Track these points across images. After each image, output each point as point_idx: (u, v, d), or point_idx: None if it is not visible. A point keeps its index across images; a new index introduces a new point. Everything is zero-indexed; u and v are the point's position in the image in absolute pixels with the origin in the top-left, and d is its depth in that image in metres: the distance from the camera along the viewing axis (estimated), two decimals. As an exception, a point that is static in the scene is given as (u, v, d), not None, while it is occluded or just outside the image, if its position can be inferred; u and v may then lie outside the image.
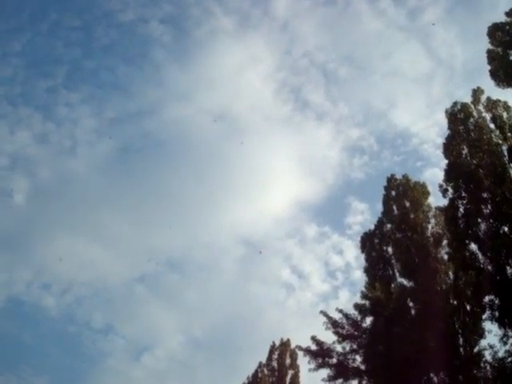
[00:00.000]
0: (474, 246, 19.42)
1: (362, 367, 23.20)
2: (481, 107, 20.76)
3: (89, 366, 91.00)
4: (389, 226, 25.22)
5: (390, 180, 25.78)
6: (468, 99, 21.49)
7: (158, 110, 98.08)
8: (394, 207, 25.14)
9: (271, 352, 42.50)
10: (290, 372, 41.19)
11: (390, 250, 24.93)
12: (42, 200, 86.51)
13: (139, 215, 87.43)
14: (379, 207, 25.98)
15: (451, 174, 20.21)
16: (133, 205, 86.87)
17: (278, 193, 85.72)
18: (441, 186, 20.70)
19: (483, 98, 20.83)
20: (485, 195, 19.47)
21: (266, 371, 41.95)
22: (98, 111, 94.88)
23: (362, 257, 25.74)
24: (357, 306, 23.78)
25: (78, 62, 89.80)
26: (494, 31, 19.97)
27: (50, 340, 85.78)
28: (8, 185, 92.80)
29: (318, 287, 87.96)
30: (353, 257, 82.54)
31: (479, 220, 19.39)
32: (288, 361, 41.59)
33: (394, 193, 25.43)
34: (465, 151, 20.49)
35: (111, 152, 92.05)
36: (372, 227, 26.04)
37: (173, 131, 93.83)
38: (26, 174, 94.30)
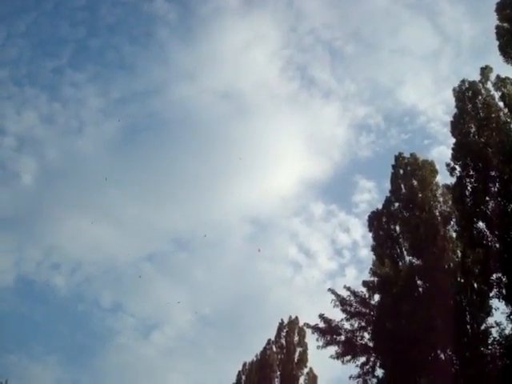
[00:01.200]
0: (481, 225, 19.46)
1: (370, 344, 23.40)
2: (489, 85, 20.62)
3: (99, 344, 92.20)
4: (396, 204, 25.20)
5: (398, 158, 25.70)
6: (476, 76, 21.37)
7: (163, 89, 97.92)
8: (402, 186, 25.09)
9: (280, 330, 42.87)
10: (299, 349, 41.56)
11: (397, 228, 24.95)
12: (49, 180, 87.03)
13: (146, 194, 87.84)
14: (386, 185, 25.98)
15: (459, 152, 20.16)
16: (140, 184, 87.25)
17: (284, 171, 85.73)
18: (448, 165, 20.68)
19: (492, 76, 20.67)
20: (493, 173, 19.43)
21: (274, 348, 42.37)
22: (104, 91, 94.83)
23: (369, 235, 25.84)
24: (365, 283, 23.94)
25: (82, 42, 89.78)
26: (503, 7, 19.76)
27: (60, 319, 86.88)
28: (16, 166, 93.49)
29: (325, 265, 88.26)
30: (360, 235, 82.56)
31: (487, 198, 19.39)
32: (296, 338, 41.95)
33: (401, 171, 25.36)
34: (473, 130, 20.40)
35: (117, 132, 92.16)
36: (379, 205, 26.09)
37: (178, 110, 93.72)
38: (33, 155, 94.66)
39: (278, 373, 41.18)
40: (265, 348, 42.65)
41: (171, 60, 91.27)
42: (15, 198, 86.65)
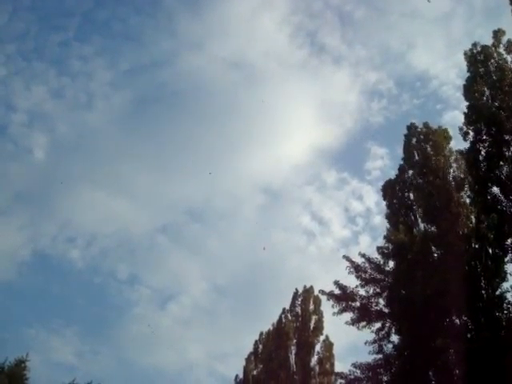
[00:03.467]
0: (496, 189, 19.40)
1: (385, 310, 23.57)
2: (501, 49, 20.33)
3: (116, 316, 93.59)
4: (410, 172, 25.13)
5: (410, 128, 25.53)
6: (488, 39, 21.07)
7: (171, 59, 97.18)
8: (415, 153, 24.96)
9: (294, 298, 43.25)
10: (314, 317, 41.98)
11: (411, 196, 24.93)
12: (61, 155, 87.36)
13: (158, 165, 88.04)
14: (399, 151, 25.85)
15: (472, 116, 19.99)
16: (152, 155, 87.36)
17: (295, 139, 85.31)
18: (461, 130, 20.54)
19: (504, 39, 20.37)
20: (507, 137, 19.29)
21: (289, 317, 42.83)
22: (112, 63, 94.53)
23: (382, 202, 25.85)
24: (380, 250, 24.01)
25: (89, 14, 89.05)
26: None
27: (77, 292, 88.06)
28: (27, 141, 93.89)
29: (339, 233, 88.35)
30: (373, 202, 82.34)
31: (501, 163, 19.29)
32: (311, 307, 42.34)
33: (414, 140, 25.22)
34: (486, 93, 20.18)
35: (127, 104, 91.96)
36: (392, 172, 26.10)
37: (188, 81, 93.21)
38: (44, 130, 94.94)
39: (294, 341, 41.68)
40: (280, 317, 43.10)
41: (179, 30, 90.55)
42: (28, 173, 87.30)
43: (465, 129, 20.27)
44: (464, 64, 21.34)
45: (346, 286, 24.08)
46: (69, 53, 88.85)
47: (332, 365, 39.67)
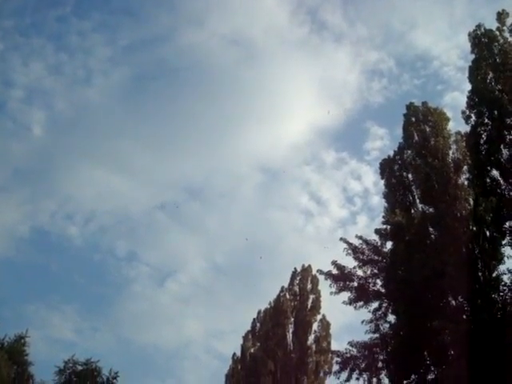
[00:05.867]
0: (495, 173, 19.42)
1: (383, 290, 23.76)
2: (506, 31, 20.17)
3: (115, 293, 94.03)
4: (409, 152, 25.09)
5: (410, 107, 25.39)
6: (492, 20, 20.88)
7: (171, 36, 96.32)
8: (415, 133, 24.88)
9: (293, 277, 43.52)
10: (312, 296, 42.32)
11: (409, 176, 24.93)
12: (60, 131, 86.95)
13: (157, 143, 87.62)
14: (399, 132, 25.76)
15: (474, 99, 19.91)
16: (151, 132, 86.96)
17: (295, 118, 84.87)
18: (463, 112, 20.48)
19: (508, 21, 20.19)
20: (508, 121, 19.25)
21: (288, 296, 43.14)
22: (111, 39, 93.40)
23: (381, 182, 25.85)
24: (377, 231, 24.11)
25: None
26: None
27: (76, 268, 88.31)
28: (25, 118, 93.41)
29: (337, 213, 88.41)
30: (371, 182, 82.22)
31: (502, 146, 19.28)
32: (309, 286, 42.64)
33: (413, 119, 25.11)
34: (489, 76, 20.07)
35: (127, 80, 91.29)
36: (391, 153, 25.97)
37: (187, 57, 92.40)
38: (42, 107, 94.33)
39: (292, 319, 42.05)
40: (279, 295, 43.40)
41: (178, 5, 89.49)
42: (27, 150, 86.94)
43: (467, 112, 20.21)
44: (466, 45, 21.24)
45: (343, 267, 24.24)
46: (67, 28, 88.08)
47: (329, 343, 40.09)
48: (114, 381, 37.57)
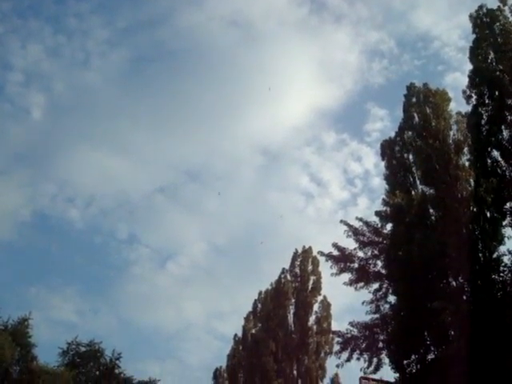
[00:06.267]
0: (496, 153, 19.37)
1: (383, 271, 23.87)
2: (507, 11, 19.98)
3: (116, 275, 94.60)
4: (409, 133, 25.02)
5: (410, 88, 25.26)
6: (492, 0, 20.67)
7: (169, 17, 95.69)
8: (415, 114, 24.79)
9: (294, 259, 43.73)
10: (312, 278, 42.56)
11: (410, 157, 24.90)
12: (59, 114, 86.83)
13: (156, 125, 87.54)
14: (399, 113, 25.66)
15: (475, 79, 19.81)
16: (150, 115, 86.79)
17: (295, 100, 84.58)
18: (464, 92, 20.37)
19: (510, 1, 20.00)
20: (509, 102, 19.16)
21: (289, 277, 43.40)
22: (109, 21, 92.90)
23: (382, 164, 25.88)
24: (377, 213, 24.14)
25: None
26: None
27: (77, 251, 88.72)
28: (24, 101, 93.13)
29: (337, 195, 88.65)
30: (372, 164, 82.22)
31: (502, 127, 19.22)
32: (310, 267, 42.86)
33: (414, 100, 24.97)
34: (490, 56, 19.93)
35: (125, 62, 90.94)
36: (392, 134, 25.95)
37: (186, 39, 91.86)
38: (41, 89, 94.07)
39: (293, 300, 42.34)
40: (280, 277, 43.65)
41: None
42: (26, 133, 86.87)
43: (468, 92, 20.12)
44: (467, 25, 21.00)
45: (344, 248, 24.34)
46: (65, 10, 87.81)
47: (329, 324, 40.40)
48: (117, 361, 37.98)
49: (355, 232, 24.13)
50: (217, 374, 49.79)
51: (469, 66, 20.55)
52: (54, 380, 33.02)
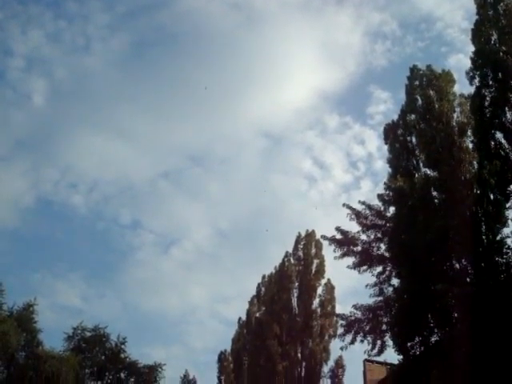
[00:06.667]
0: (499, 135, 19.30)
1: (386, 254, 23.87)
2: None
3: (120, 260, 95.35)
4: (412, 116, 24.87)
5: (413, 71, 25.01)
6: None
7: (170, 1, 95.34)
8: (418, 97, 24.60)
9: (297, 242, 43.83)
10: (316, 261, 42.66)
11: (413, 140, 24.77)
12: (60, 100, 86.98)
13: (158, 110, 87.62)
14: (402, 95, 25.46)
15: (478, 61, 19.65)
16: (152, 100, 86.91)
17: (297, 83, 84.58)
18: (467, 74, 20.22)
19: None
20: (512, 83, 19.04)
21: (292, 260, 43.54)
22: (109, 5, 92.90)
23: (385, 147, 25.75)
24: (380, 197, 24.09)
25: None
26: None
27: (81, 237, 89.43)
28: (26, 87, 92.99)
29: (340, 178, 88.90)
30: (375, 147, 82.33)
31: (506, 109, 19.10)
32: (313, 250, 42.95)
33: (417, 82, 24.76)
34: (494, 37, 19.75)
35: (126, 47, 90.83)
36: (395, 117, 25.79)
37: (187, 22, 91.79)
38: (42, 75, 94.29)
39: (297, 284, 42.52)
40: (283, 260, 43.81)
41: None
42: (28, 119, 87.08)
43: (471, 73, 19.97)
44: (470, 6, 20.81)
45: (347, 231, 24.32)
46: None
47: (333, 307, 40.59)
48: (123, 346, 38.42)
49: (358, 215, 24.10)
50: (221, 358, 50.23)
51: (471, 48, 20.43)
52: (60, 365, 33.37)
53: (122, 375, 38.31)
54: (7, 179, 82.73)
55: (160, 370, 38.30)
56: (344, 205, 24.56)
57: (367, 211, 24.08)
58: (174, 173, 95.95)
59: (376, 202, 24.26)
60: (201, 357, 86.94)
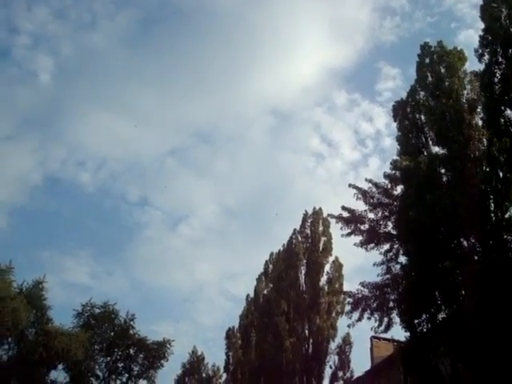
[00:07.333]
0: (509, 113, 19.14)
1: (394, 232, 23.87)
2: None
3: (128, 237, 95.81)
4: (422, 93, 24.63)
5: (424, 48, 24.67)
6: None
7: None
8: (428, 74, 24.30)
9: (304, 220, 43.84)
10: (323, 239, 42.71)
11: (422, 118, 24.57)
12: (67, 77, 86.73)
13: (165, 87, 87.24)
14: (411, 72, 25.20)
15: (488, 38, 19.40)
16: (159, 77, 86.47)
17: (305, 59, 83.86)
18: (477, 51, 19.98)
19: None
20: (523, 60, 18.79)
21: (299, 238, 43.58)
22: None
23: (393, 124, 25.61)
24: (387, 176, 24.01)
25: None
26: None
27: (89, 214, 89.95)
28: (32, 64, 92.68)
29: (348, 155, 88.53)
30: (383, 124, 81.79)
31: (516, 85, 18.89)
32: (321, 228, 42.98)
33: (427, 60, 24.46)
34: (503, 13, 19.47)
35: (132, 24, 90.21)
36: (404, 94, 25.58)
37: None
38: (48, 53, 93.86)
39: (304, 261, 42.61)
40: (291, 238, 43.87)
41: None
42: (34, 97, 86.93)
43: (480, 50, 19.73)
44: (481, -20, 20.44)
45: (354, 210, 24.33)
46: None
47: (341, 284, 40.73)
48: (132, 322, 38.72)
49: (364, 194, 24.08)
50: (229, 334, 50.66)
51: (482, 24, 20.13)
52: (70, 341, 33.74)
53: (131, 351, 38.66)
54: (15, 157, 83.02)
55: (169, 346, 38.61)
56: (350, 185, 24.53)
57: (374, 190, 24.05)
58: (182, 150, 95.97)
59: (383, 180, 24.25)
60: (209, 333, 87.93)
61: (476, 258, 20.52)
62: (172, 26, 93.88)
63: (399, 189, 23.65)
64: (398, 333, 24.79)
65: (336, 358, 40.66)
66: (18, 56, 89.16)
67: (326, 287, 41.33)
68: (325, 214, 40.67)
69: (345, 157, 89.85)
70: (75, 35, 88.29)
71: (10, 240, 69.99)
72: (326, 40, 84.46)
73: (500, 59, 19.28)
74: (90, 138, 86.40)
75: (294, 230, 44.10)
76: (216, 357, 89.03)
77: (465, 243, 21.29)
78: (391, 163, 23.48)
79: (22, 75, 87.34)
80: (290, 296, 41.50)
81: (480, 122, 22.05)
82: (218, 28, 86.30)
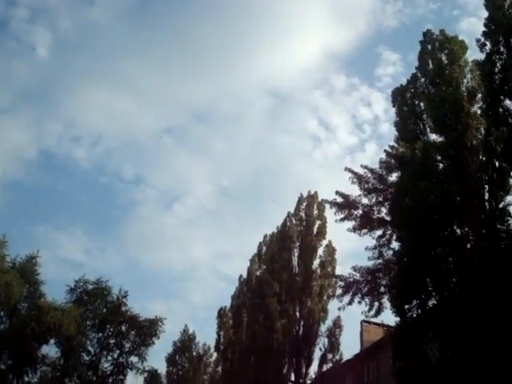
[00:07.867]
0: (508, 103, 19.12)
1: (387, 218, 23.94)
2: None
3: (122, 215, 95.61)
4: (422, 80, 24.58)
5: (426, 35, 24.56)
6: None
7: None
8: (430, 61, 24.25)
9: (299, 203, 43.86)
10: (318, 222, 42.76)
11: (422, 105, 24.55)
12: (65, 52, 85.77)
13: (164, 65, 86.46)
14: (412, 58, 25.20)
15: (490, 27, 19.31)
16: (157, 54, 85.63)
17: (305, 41, 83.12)
18: (478, 41, 19.91)
19: None
20: (525, 50, 18.72)
21: (294, 221, 43.63)
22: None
23: (391, 110, 25.60)
24: (382, 162, 24.02)
25: None
26: None
27: (84, 191, 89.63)
28: (30, 38, 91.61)
29: (345, 140, 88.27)
30: (382, 109, 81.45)
31: (516, 76, 18.85)
32: (315, 212, 43.01)
33: (429, 47, 24.37)
34: (507, 3, 19.37)
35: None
36: (404, 80, 25.53)
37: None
38: (46, 26, 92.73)
39: (298, 244, 42.70)
40: (285, 220, 43.90)
41: None
42: (31, 70, 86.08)
43: (482, 39, 19.66)
44: (484, -33, 20.28)
45: (348, 195, 24.35)
46: None
47: (334, 268, 40.83)
48: (124, 299, 38.86)
49: (359, 179, 24.08)
50: (221, 314, 50.88)
51: (485, 13, 20.04)
52: (62, 316, 33.89)
53: (123, 328, 38.85)
54: (10, 131, 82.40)
55: (161, 324, 38.81)
56: (346, 169, 24.52)
57: (369, 175, 24.05)
58: (178, 129, 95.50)
59: (379, 166, 24.24)
60: (200, 312, 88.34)
61: (468, 246, 20.64)
62: (172, 3, 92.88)
63: (394, 176, 23.68)
64: (388, 317, 25.01)
65: (326, 340, 40.85)
66: (15, 29, 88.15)
67: (318, 270, 41.46)
68: (320, 198, 40.72)
69: (342, 141, 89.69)
70: (74, 9, 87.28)
71: (4, 214, 69.78)
72: (327, 23, 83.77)
73: (501, 49, 19.21)
74: (87, 114, 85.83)
75: (289, 212, 44.13)
76: (207, 336, 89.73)
77: (458, 231, 21.37)
78: (385, 151, 23.55)
79: (19, 48, 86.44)
80: (283, 278, 41.64)
81: (479, 111, 22.05)
82: (219, 8, 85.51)
